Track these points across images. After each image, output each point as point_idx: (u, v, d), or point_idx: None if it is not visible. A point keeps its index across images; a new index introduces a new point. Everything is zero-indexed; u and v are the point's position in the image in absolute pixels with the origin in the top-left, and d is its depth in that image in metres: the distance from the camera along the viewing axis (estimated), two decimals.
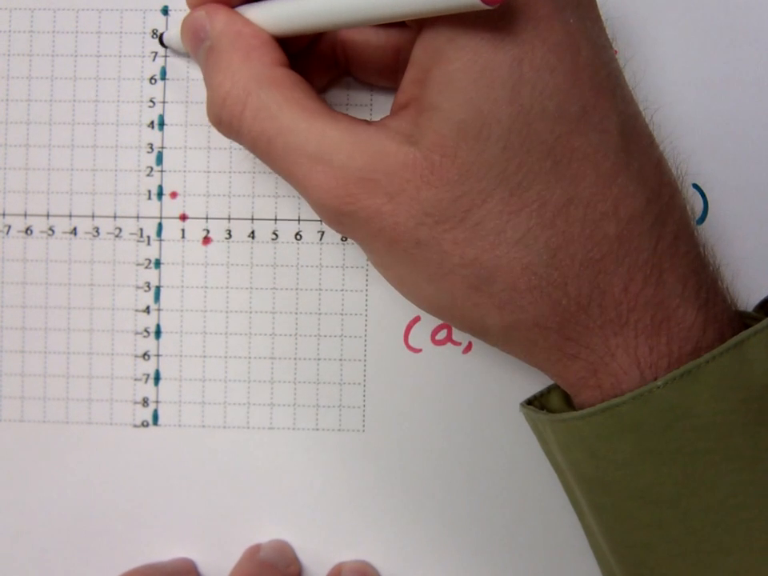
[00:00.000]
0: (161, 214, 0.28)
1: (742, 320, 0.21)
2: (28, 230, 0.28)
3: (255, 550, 0.27)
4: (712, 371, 0.18)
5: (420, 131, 0.19)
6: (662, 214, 0.19)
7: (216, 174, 0.28)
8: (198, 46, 0.22)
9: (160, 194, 0.28)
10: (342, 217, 0.20)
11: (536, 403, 0.23)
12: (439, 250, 0.19)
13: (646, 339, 0.19)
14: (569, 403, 0.23)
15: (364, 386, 0.27)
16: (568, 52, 0.19)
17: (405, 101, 0.20)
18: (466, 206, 0.19)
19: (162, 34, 0.27)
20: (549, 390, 0.23)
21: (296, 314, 0.27)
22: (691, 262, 0.20)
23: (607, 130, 0.19)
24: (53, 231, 0.28)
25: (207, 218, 0.28)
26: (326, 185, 0.20)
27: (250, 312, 0.28)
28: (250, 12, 0.22)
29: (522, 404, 0.23)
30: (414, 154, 0.19)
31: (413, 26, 0.20)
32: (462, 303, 0.20)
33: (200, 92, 0.27)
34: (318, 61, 0.25)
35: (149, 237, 0.28)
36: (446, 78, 0.19)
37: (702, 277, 0.20)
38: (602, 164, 0.19)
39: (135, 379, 0.28)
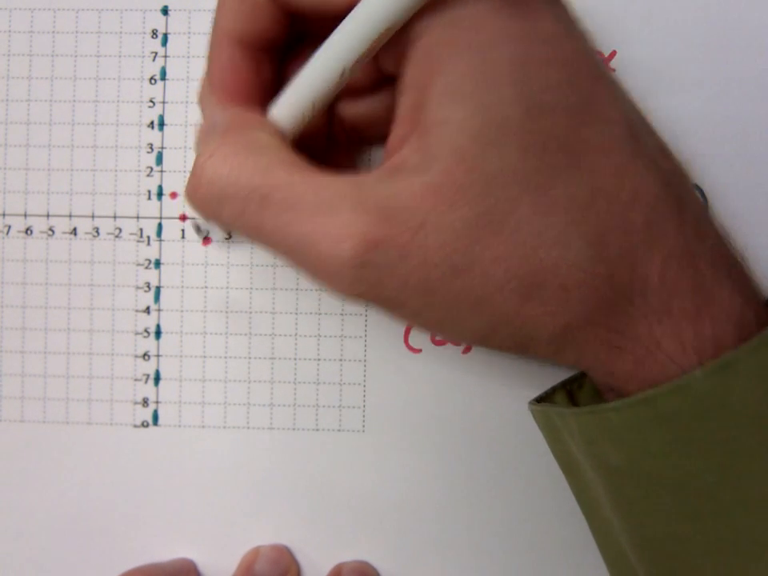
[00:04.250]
0: (161, 214, 0.28)
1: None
2: (28, 230, 0.28)
3: (251, 560, 0.26)
4: (752, 361, 0.18)
5: (431, 154, 0.18)
6: (680, 197, 0.19)
7: None
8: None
9: (160, 194, 0.28)
10: (361, 270, 0.18)
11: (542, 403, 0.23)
12: (481, 273, 0.18)
13: (689, 325, 0.19)
14: (573, 402, 0.23)
15: (364, 386, 0.27)
16: (562, 43, 0.19)
17: (402, 134, 0.19)
18: (498, 217, 0.18)
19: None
20: (553, 391, 0.23)
21: (296, 314, 0.27)
22: (716, 243, 0.20)
23: (612, 119, 0.19)
24: (53, 231, 0.28)
25: None
26: (336, 235, 0.18)
27: (250, 312, 0.28)
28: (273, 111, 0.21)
29: (531, 402, 0.23)
30: (431, 180, 0.18)
31: (394, 68, 0.20)
32: (511, 321, 0.19)
33: None
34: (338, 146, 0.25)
35: (149, 237, 0.28)
36: (450, 88, 0.18)
37: (730, 258, 0.20)
38: (614, 153, 0.19)
39: (135, 379, 0.28)
